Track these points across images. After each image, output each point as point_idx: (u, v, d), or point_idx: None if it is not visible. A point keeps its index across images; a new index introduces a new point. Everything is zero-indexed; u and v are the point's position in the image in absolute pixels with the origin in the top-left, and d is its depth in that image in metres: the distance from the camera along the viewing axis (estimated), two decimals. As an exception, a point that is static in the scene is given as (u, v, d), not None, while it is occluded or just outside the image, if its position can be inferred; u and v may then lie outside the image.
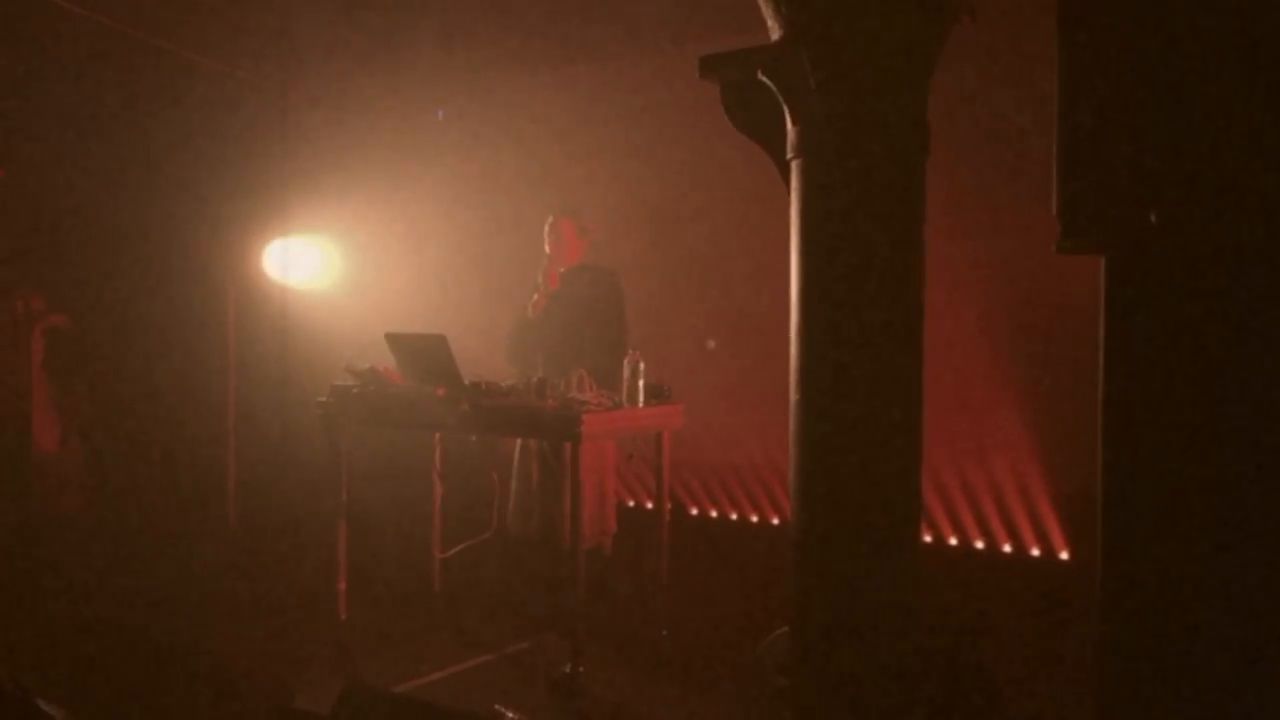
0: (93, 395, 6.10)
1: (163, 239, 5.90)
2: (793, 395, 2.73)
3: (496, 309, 5.14)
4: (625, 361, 4.06)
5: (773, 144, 2.81)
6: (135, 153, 5.71)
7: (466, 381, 4.11)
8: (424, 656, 4.18)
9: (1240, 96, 1.65)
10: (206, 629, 4.50)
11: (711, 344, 4.99)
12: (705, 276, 5.46)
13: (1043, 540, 4.59)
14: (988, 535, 4.74)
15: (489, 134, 6.14)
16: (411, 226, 6.15)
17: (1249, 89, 1.64)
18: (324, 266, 6.08)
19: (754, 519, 5.45)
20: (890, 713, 2.61)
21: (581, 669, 3.85)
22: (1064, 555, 4.53)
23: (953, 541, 4.81)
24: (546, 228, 4.59)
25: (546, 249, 4.58)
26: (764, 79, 2.72)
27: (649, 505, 5.36)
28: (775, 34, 2.71)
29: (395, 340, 4.28)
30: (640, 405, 4.06)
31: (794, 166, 2.71)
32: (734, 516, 5.53)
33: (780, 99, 2.71)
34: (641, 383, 4.05)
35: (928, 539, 4.70)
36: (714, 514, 5.59)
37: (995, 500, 4.69)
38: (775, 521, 5.32)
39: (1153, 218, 1.70)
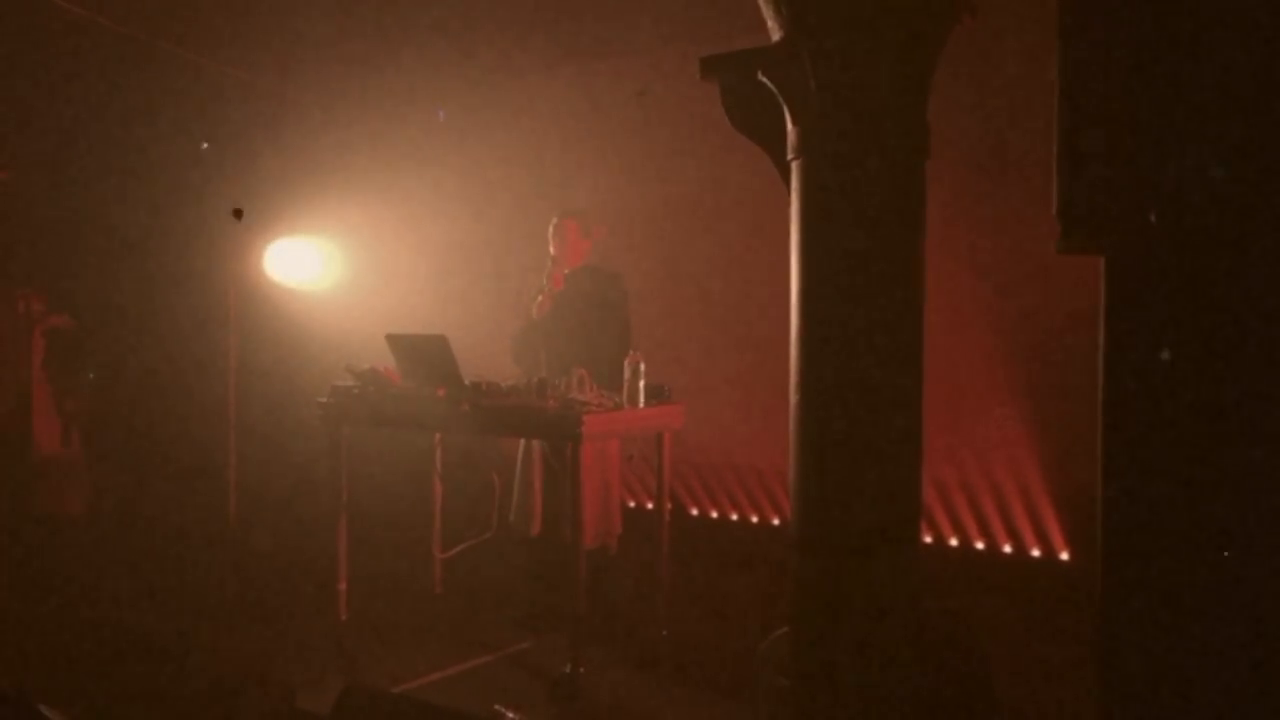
0: (93, 396, 6.10)
1: (163, 240, 5.91)
2: (793, 396, 2.73)
3: (497, 309, 5.15)
4: (626, 362, 4.07)
5: (773, 145, 2.82)
6: (136, 154, 5.72)
7: (467, 382, 4.11)
8: (424, 657, 4.18)
9: (1239, 97, 1.65)
10: (206, 629, 4.50)
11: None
12: (706, 277, 5.47)
13: (1043, 541, 4.59)
14: (988, 536, 4.74)
15: (490, 135, 6.14)
16: (412, 227, 6.15)
17: (1248, 89, 1.64)
18: (324, 267, 6.08)
19: (754, 519, 5.46)
20: (889, 713, 2.61)
21: (582, 669, 3.85)
22: (1064, 556, 4.53)
23: (953, 542, 4.81)
24: (551, 229, 4.61)
25: (551, 250, 4.59)
26: (764, 80, 2.73)
27: (649, 506, 5.36)
28: (776, 35, 2.72)
29: (396, 341, 4.28)
30: (641, 406, 4.06)
31: (794, 167, 2.71)
32: (734, 517, 5.53)
33: (781, 100, 2.72)
34: (642, 383, 4.05)
35: (928, 539, 4.71)
36: (714, 514, 5.59)
37: (995, 501, 4.69)
38: (776, 522, 5.32)
39: (1152, 218, 1.70)
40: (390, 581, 5.04)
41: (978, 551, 4.75)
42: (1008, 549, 4.68)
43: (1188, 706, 1.75)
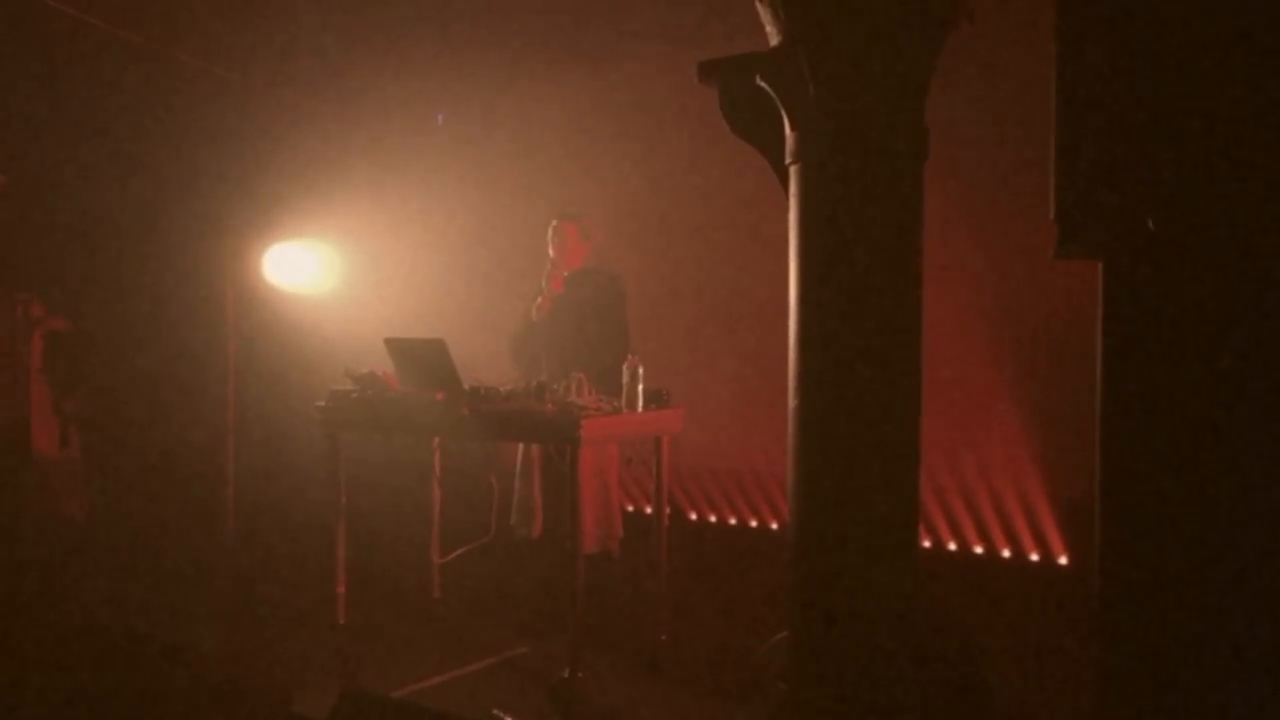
0: (92, 399, 6.09)
1: (162, 244, 5.91)
2: (791, 400, 2.73)
3: (496, 313, 5.15)
4: (624, 366, 4.07)
5: (771, 149, 2.82)
6: (135, 157, 5.72)
7: (466, 386, 4.11)
8: (422, 661, 4.18)
9: (1238, 101, 1.65)
10: (205, 632, 4.50)
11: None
12: (705, 281, 5.47)
13: (1041, 545, 4.59)
14: (986, 540, 4.73)
15: (489, 138, 6.15)
16: (412, 231, 6.15)
17: (1246, 93, 1.65)
18: (323, 271, 6.08)
19: (753, 524, 5.45)
20: (888, 718, 2.61)
21: (580, 674, 3.85)
22: (1063, 560, 4.53)
23: (951, 546, 4.80)
24: (550, 231, 4.62)
25: (550, 252, 4.61)
26: (763, 84, 2.73)
27: (648, 510, 5.36)
28: (774, 39, 2.72)
29: (394, 345, 4.28)
30: (639, 410, 4.06)
31: (793, 172, 2.72)
32: (733, 521, 5.52)
33: (779, 104, 2.72)
34: (641, 387, 4.05)
35: (926, 544, 4.70)
36: (713, 519, 5.58)
37: (994, 505, 4.69)
38: (774, 526, 5.31)
39: (1150, 223, 1.70)
40: (389, 585, 5.04)
41: (976, 556, 4.75)
42: (1006, 554, 4.68)
43: (1187, 710, 1.75)
